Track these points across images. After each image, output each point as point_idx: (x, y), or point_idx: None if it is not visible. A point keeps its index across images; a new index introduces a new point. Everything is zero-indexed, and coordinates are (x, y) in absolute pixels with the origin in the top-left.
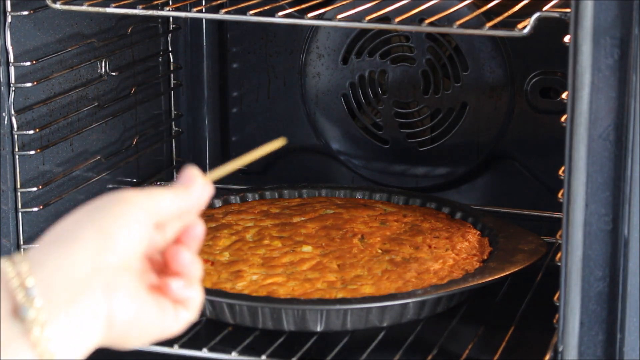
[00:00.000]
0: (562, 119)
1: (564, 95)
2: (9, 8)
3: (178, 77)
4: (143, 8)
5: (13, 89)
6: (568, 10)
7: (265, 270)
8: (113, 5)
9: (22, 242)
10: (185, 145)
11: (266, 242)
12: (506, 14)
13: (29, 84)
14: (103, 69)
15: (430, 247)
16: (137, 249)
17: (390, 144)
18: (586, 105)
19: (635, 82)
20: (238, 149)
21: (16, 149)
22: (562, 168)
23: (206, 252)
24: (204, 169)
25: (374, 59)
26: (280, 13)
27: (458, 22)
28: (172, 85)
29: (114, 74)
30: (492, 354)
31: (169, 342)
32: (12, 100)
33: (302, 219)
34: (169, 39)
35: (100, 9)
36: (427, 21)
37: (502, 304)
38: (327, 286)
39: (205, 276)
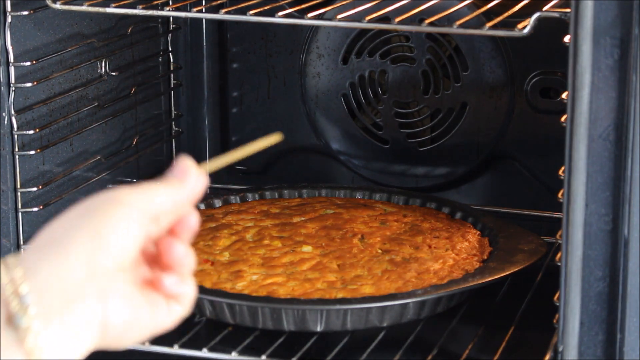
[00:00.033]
0: (562, 119)
1: (564, 95)
2: (9, 8)
3: (178, 77)
4: (143, 8)
5: (13, 89)
6: (568, 10)
7: (265, 270)
8: (113, 5)
9: (22, 242)
10: (185, 145)
11: (266, 242)
12: (506, 14)
13: (29, 84)
14: (103, 69)
15: (430, 247)
16: (133, 250)
17: (390, 144)
18: (586, 105)
19: (635, 82)
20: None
21: (16, 149)
22: (562, 168)
23: (206, 252)
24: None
25: (374, 59)
26: (280, 13)
27: (458, 22)
28: (172, 85)
29: (114, 74)
30: (492, 354)
31: (169, 342)
32: (12, 100)
33: (302, 219)
34: (169, 39)
35: (100, 9)
36: (427, 21)
37: (502, 304)
38: (327, 286)
39: (205, 276)
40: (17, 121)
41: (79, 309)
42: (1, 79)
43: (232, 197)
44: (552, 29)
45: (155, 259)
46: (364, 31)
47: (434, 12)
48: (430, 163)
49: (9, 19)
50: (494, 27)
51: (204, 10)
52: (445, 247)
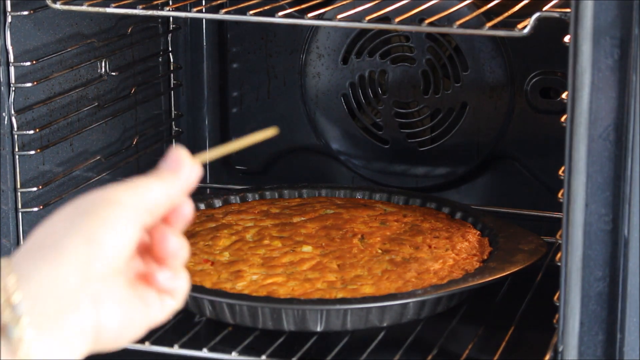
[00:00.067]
0: (562, 119)
1: (564, 95)
2: (9, 8)
3: (178, 77)
4: (143, 8)
5: (13, 89)
6: (568, 10)
7: (265, 270)
8: (113, 5)
9: (22, 242)
10: (185, 145)
11: (266, 242)
12: (506, 14)
13: (29, 84)
14: (103, 69)
15: (430, 247)
16: (128, 251)
17: (390, 144)
18: (586, 105)
19: (635, 82)
20: None
21: (16, 149)
22: (562, 168)
23: (206, 252)
24: (204, 169)
25: (374, 59)
26: (280, 13)
27: (458, 22)
28: (172, 85)
29: (114, 74)
30: (492, 354)
31: (169, 342)
32: (12, 100)
33: (302, 219)
34: (169, 39)
35: (100, 9)
36: (427, 21)
37: (502, 304)
38: (327, 286)
39: (205, 276)
40: (17, 121)
41: (73, 317)
42: (1, 79)
43: (232, 197)
44: (552, 29)
45: (148, 248)
46: (364, 31)
47: (434, 12)
48: (430, 163)
49: (9, 19)
50: (494, 27)
51: (204, 10)
52: (445, 247)
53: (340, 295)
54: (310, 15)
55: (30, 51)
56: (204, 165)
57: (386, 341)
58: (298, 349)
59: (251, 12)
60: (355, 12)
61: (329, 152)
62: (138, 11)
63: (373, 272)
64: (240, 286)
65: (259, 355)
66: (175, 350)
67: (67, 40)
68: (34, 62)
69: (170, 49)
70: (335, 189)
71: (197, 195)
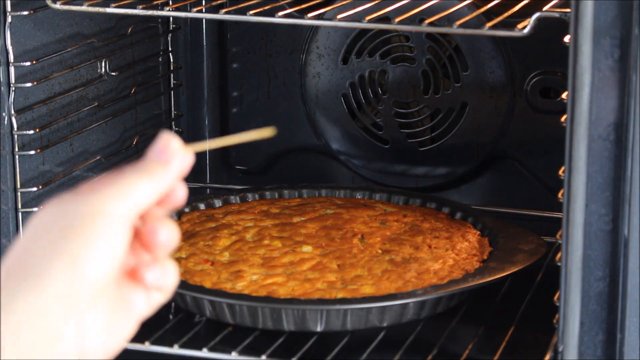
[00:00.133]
0: (562, 119)
1: (564, 95)
2: (9, 8)
3: (178, 77)
4: (143, 8)
5: (13, 89)
6: (568, 10)
7: (265, 270)
8: (113, 5)
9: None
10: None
11: (266, 242)
12: (506, 14)
13: (29, 84)
14: (103, 69)
15: (430, 247)
16: (115, 267)
17: (390, 144)
18: (586, 105)
19: (635, 82)
20: (238, 149)
21: (16, 149)
22: (562, 168)
23: (206, 252)
24: (203, 168)
25: (374, 59)
26: (280, 13)
27: (458, 22)
28: (172, 85)
29: (114, 74)
30: (492, 354)
31: (169, 342)
32: (12, 100)
33: (302, 219)
34: (169, 39)
35: (100, 9)
36: (427, 21)
37: (502, 304)
38: (327, 286)
39: (205, 276)
40: (17, 121)
41: (56, 349)
42: (1, 79)
43: (232, 197)
44: (552, 29)
45: (137, 232)
46: (364, 31)
47: (434, 12)
48: (430, 163)
49: (9, 19)
50: (494, 27)
51: (204, 10)
52: (445, 247)
53: (340, 295)
54: (310, 15)
55: (30, 51)
56: (204, 165)
57: (386, 341)
58: (298, 349)
59: (251, 12)
60: (355, 12)
61: (329, 152)
62: (138, 11)
63: (373, 272)
64: (240, 286)
65: (259, 355)
66: (175, 350)
67: (67, 40)
68: (34, 62)
69: (170, 49)
70: (335, 189)
71: (197, 195)
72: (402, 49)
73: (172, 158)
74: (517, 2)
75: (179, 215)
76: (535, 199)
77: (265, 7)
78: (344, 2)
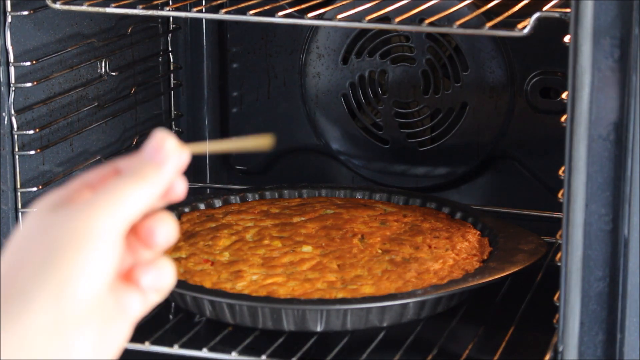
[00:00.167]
0: (562, 119)
1: (564, 95)
2: (9, 8)
3: (178, 77)
4: (143, 8)
5: (13, 89)
6: (568, 10)
7: (265, 270)
8: (113, 5)
9: None
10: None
11: (266, 242)
12: (506, 14)
13: (29, 84)
14: (103, 69)
15: (430, 247)
16: (106, 284)
17: (390, 144)
18: (586, 105)
19: (635, 82)
20: None
21: (16, 149)
22: (562, 168)
23: (206, 252)
24: (203, 168)
25: (374, 59)
26: (280, 13)
27: (458, 22)
28: (172, 85)
29: (114, 74)
30: (492, 354)
31: (169, 342)
32: (12, 100)
33: (302, 219)
34: (169, 39)
35: (100, 9)
36: (427, 21)
37: (502, 304)
38: (327, 286)
39: (205, 276)
40: (17, 121)
41: None
42: (1, 79)
43: (232, 197)
44: (552, 29)
45: (134, 228)
46: (364, 31)
47: (434, 12)
48: (430, 163)
49: (9, 19)
50: (494, 27)
51: (204, 10)
52: (445, 247)
53: (340, 295)
54: (310, 15)
55: (30, 51)
56: (204, 165)
57: (386, 341)
58: (298, 349)
59: (251, 12)
60: (355, 12)
61: (329, 152)
62: (138, 11)
63: (373, 272)
64: (240, 286)
65: (259, 355)
66: (175, 350)
67: (67, 40)
68: (34, 62)
69: (170, 49)
70: (335, 189)
71: (197, 195)
72: (402, 49)
73: (166, 158)
74: (517, 2)
75: (179, 215)
76: (535, 199)
77: (265, 7)
78: (344, 2)
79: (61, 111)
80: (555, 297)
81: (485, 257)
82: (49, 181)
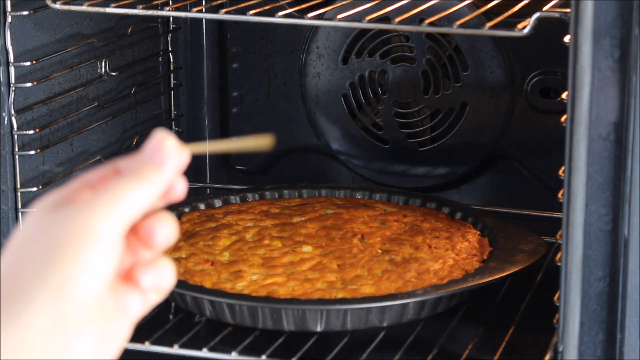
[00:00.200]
0: (562, 119)
1: (564, 95)
2: (9, 8)
3: (178, 77)
4: (143, 8)
5: (13, 89)
6: (568, 10)
7: (265, 270)
8: (113, 5)
9: None
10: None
11: (266, 242)
12: (506, 14)
13: (29, 84)
14: (103, 69)
15: (430, 247)
16: (108, 278)
17: (390, 144)
18: (586, 105)
19: (635, 82)
20: None
21: (16, 149)
22: (562, 168)
23: (206, 252)
24: (203, 168)
25: (374, 59)
26: (280, 13)
27: (458, 22)
28: (172, 85)
29: (114, 74)
30: (492, 354)
31: (169, 342)
32: (12, 100)
33: (302, 219)
34: (169, 39)
35: (100, 9)
36: (427, 21)
37: (502, 304)
38: (327, 286)
39: (205, 276)
40: (17, 121)
41: None
42: (1, 79)
43: (232, 197)
44: (552, 29)
45: (134, 228)
46: (364, 31)
47: (434, 12)
48: (430, 163)
49: (9, 19)
50: (494, 27)
51: (204, 10)
52: (445, 247)
53: (340, 295)
54: (310, 15)
55: (30, 51)
56: (204, 165)
57: (386, 341)
58: (298, 349)
59: (251, 12)
60: (355, 12)
61: (329, 152)
62: (138, 11)
63: (373, 272)
64: (240, 286)
65: (259, 355)
66: (175, 350)
67: (67, 40)
68: (34, 62)
69: (170, 49)
70: (335, 189)
71: (197, 195)
72: (402, 49)
73: (166, 159)
74: (517, 2)
75: (179, 215)
76: (535, 199)
77: (265, 7)
78: (344, 2)
79: (61, 111)
80: (555, 297)
81: (485, 257)
82: (49, 181)
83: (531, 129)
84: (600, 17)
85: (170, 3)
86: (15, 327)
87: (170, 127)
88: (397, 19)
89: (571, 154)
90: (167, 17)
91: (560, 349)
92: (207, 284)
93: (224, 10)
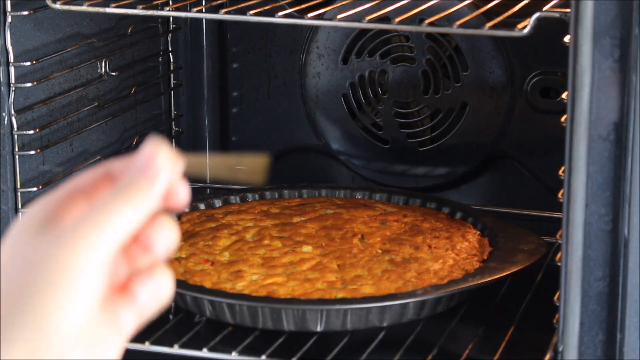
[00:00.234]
0: (562, 119)
1: (564, 95)
2: (9, 8)
3: (178, 77)
4: (143, 8)
5: (13, 89)
6: (568, 10)
7: (265, 270)
8: (113, 5)
9: None
10: (185, 145)
11: (266, 242)
12: (506, 14)
13: (29, 84)
14: (103, 69)
15: (430, 247)
16: (96, 301)
17: (390, 144)
18: (586, 105)
19: (635, 82)
20: (238, 149)
21: (16, 149)
22: (562, 168)
23: (206, 252)
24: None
25: (374, 59)
26: (280, 13)
27: (458, 22)
28: (172, 85)
29: (114, 74)
30: (492, 354)
31: (169, 342)
32: (12, 100)
33: (302, 219)
34: (169, 39)
35: (100, 9)
36: (427, 21)
37: (502, 304)
38: (327, 286)
39: (205, 276)
40: (17, 121)
41: None
42: (1, 79)
43: (232, 197)
44: (552, 29)
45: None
46: (364, 31)
47: (434, 12)
48: (430, 163)
49: (9, 19)
50: (494, 27)
51: (204, 10)
52: (445, 247)
53: (340, 295)
54: (310, 15)
55: (30, 51)
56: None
57: (386, 341)
58: (298, 349)
59: (251, 12)
60: (355, 12)
61: (329, 152)
62: (138, 11)
63: (373, 272)
64: (240, 286)
65: (259, 355)
66: (175, 350)
67: (67, 40)
68: (34, 62)
69: (170, 49)
70: (335, 189)
71: (197, 195)
72: (402, 49)
73: (158, 173)
74: (517, 2)
75: (179, 215)
76: (535, 199)
77: (265, 7)
78: (344, 2)
79: (61, 111)
80: (555, 297)
81: (485, 257)
82: (49, 181)
83: (531, 129)
84: (600, 17)
85: (170, 3)
86: None
87: (170, 127)
88: (397, 19)
89: (571, 154)
90: (167, 17)
91: (560, 349)
92: (207, 284)
93: (224, 10)
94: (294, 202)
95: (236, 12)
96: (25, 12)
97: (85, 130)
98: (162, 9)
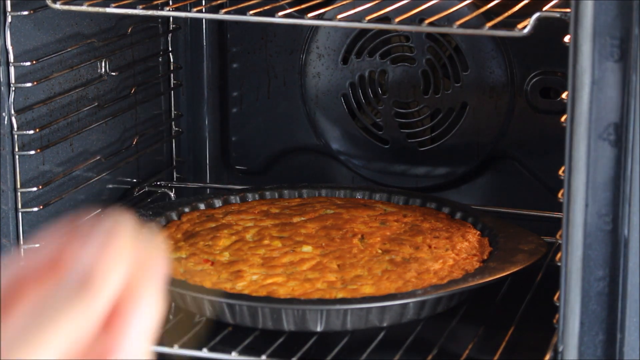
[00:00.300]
0: (562, 119)
1: (564, 95)
2: (9, 8)
3: (178, 77)
4: (143, 8)
5: (13, 89)
6: (568, 10)
7: (265, 270)
8: (113, 5)
9: (22, 242)
10: (185, 145)
11: (266, 242)
12: (506, 14)
13: (29, 84)
14: (103, 69)
15: (430, 247)
16: None
17: (390, 144)
18: (586, 105)
19: (635, 82)
20: (238, 149)
21: (16, 149)
22: (562, 168)
23: (206, 252)
24: (204, 169)
25: (374, 59)
26: (280, 13)
27: (458, 22)
28: (172, 85)
29: (114, 74)
30: (492, 354)
31: (169, 342)
32: (12, 100)
33: (302, 219)
34: (169, 39)
35: (100, 9)
36: (427, 21)
37: (502, 304)
38: (327, 286)
39: (205, 276)
40: (17, 121)
41: None
42: (1, 79)
43: (232, 197)
44: (552, 29)
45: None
46: (364, 31)
47: (434, 12)
48: (430, 163)
49: (9, 19)
50: (494, 27)
51: (204, 10)
52: (445, 247)
53: (340, 295)
54: (310, 15)
55: (30, 51)
56: (204, 166)
57: (386, 341)
58: (298, 349)
59: (251, 12)
60: (355, 12)
61: (329, 152)
62: (138, 11)
63: (373, 272)
64: (240, 286)
65: (259, 355)
66: (175, 350)
67: (67, 40)
68: (34, 62)
69: (170, 49)
70: (335, 189)
71: (197, 195)
72: (402, 49)
73: (101, 287)
74: (517, 2)
75: (179, 215)
76: (535, 199)
77: (265, 7)
78: (344, 2)
79: (61, 111)
80: (555, 297)
81: (485, 257)
82: (49, 181)
83: (531, 129)
84: (600, 17)
85: (170, 3)
86: None
87: (170, 127)
88: (397, 19)
89: (571, 154)
90: (167, 17)
91: (560, 349)
92: (207, 284)
93: (224, 10)
94: (294, 202)
95: (236, 12)
96: (25, 12)
97: (85, 130)
98: (162, 9)
